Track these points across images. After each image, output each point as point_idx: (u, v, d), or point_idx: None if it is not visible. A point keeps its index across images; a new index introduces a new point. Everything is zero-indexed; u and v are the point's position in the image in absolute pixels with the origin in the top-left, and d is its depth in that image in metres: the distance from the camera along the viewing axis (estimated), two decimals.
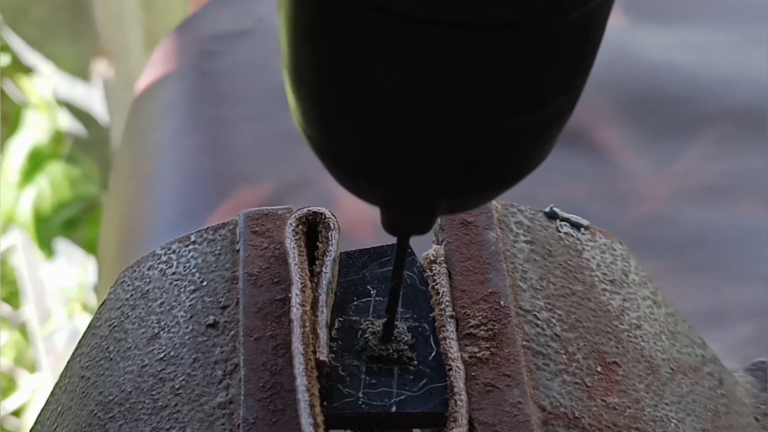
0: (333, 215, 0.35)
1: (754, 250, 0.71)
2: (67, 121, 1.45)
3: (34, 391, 1.44)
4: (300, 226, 0.35)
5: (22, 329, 1.53)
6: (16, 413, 1.46)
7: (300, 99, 0.25)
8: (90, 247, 1.45)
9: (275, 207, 0.36)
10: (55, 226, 1.39)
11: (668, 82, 0.84)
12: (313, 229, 0.35)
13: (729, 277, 0.70)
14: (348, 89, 0.23)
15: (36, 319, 1.48)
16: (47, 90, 1.44)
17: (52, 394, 0.37)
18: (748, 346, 0.63)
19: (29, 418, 1.43)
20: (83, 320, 1.44)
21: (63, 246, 1.46)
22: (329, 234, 0.34)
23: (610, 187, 0.76)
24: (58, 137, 1.43)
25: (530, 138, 0.25)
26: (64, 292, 1.47)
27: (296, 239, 0.34)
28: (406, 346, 0.33)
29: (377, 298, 0.35)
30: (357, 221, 0.67)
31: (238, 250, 0.35)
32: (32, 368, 1.50)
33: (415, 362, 0.33)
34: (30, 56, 1.43)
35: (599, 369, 0.34)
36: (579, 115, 0.92)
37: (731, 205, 0.75)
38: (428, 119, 0.23)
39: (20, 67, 1.44)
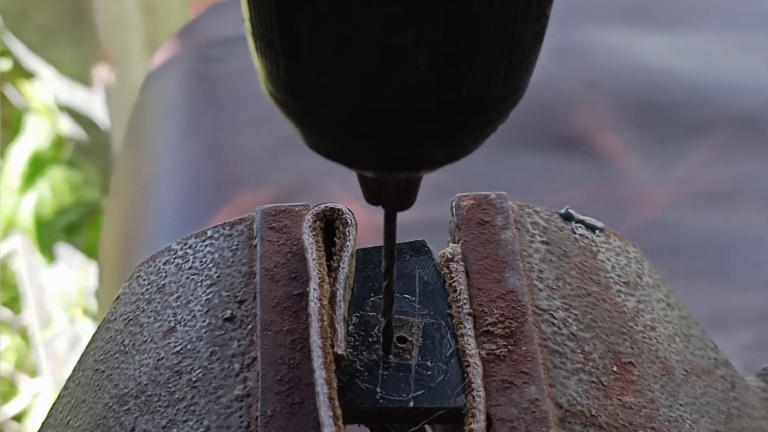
0: (350, 211, 0.35)
1: (755, 256, 0.71)
2: (68, 126, 1.46)
3: (35, 396, 1.44)
4: (317, 222, 0.35)
5: (23, 334, 1.53)
6: (17, 418, 1.46)
7: (267, 61, 0.26)
8: (91, 252, 1.45)
9: (292, 204, 0.36)
10: (56, 231, 1.39)
11: (669, 88, 0.84)
12: (330, 225, 0.35)
13: (729, 282, 0.70)
14: (311, 45, 0.24)
15: (37, 323, 1.48)
16: (48, 95, 1.44)
17: (65, 387, 0.37)
18: (749, 351, 0.63)
19: (30, 423, 1.43)
20: (84, 325, 1.44)
21: (64, 251, 1.47)
22: (346, 230, 0.34)
23: (610, 192, 0.76)
24: (59, 142, 1.43)
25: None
26: (65, 297, 1.47)
27: (314, 235, 0.34)
28: (421, 341, 0.33)
29: (394, 295, 0.35)
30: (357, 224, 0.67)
31: (255, 246, 0.35)
32: (33, 373, 1.50)
33: (433, 358, 0.33)
34: (31, 61, 1.43)
35: (615, 369, 0.34)
36: (580, 120, 0.92)
37: (731, 211, 0.75)
38: (388, 71, 0.24)
39: (21, 72, 1.44)
